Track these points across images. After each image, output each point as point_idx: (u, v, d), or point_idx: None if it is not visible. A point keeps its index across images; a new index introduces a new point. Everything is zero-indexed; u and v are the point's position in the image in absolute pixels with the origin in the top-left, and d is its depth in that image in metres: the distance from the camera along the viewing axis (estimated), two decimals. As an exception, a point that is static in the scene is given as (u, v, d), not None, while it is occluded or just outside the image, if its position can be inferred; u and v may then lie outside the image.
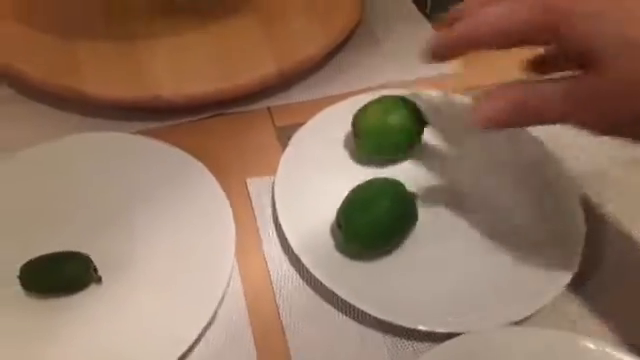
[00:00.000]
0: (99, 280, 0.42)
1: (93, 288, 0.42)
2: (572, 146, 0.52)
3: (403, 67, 0.60)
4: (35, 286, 0.41)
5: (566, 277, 0.41)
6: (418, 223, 0.44)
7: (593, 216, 0.47)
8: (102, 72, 0.54)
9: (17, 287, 0.41)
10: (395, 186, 0.43)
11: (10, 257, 0.41)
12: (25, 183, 0.47)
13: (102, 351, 0.39)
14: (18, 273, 0.41)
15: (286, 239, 0.44)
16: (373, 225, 0.41)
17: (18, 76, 0.55)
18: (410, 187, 0.43)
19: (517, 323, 0.40)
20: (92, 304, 0.41)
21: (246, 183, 0.50)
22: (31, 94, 0.56)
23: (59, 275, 0.41)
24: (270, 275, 0.44)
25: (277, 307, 0.43)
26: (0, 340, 0.39)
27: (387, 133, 0.47)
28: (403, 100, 0.48)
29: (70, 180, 0.48)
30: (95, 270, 0.42)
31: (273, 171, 0.49)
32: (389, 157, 0.50)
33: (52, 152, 0.49)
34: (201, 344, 0.40)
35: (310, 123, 0.52)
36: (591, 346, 0.37)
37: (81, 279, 0.42)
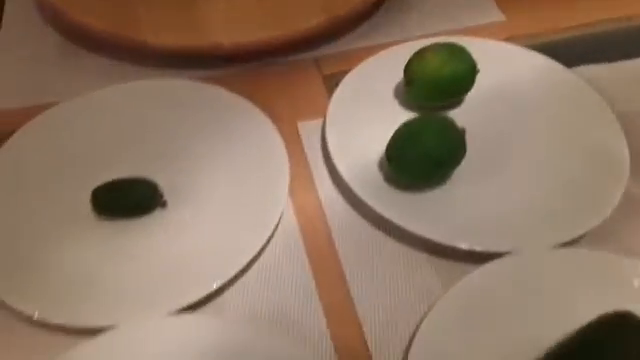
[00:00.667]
0: (164, 204, 0.45)
1: (159, 212, 0.45)
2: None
3: (450, 17, 0.61)
4: (105, 209, 0.45)
5: (613, 201, 0.42)
6: (467, 157, 0.45)
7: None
8: (162, 23, 0.57)
9: (89, 210, 0.45)
10: (444, 120, 0.44)
11: (84, 183, 0.45)
12: (98, 120, 0.51)
13: (166, 267, 0.42)
14: (90, 197, 0.44)
15: (337, 173, 0.46)
16: (421, 157, 0.43)
17: (81, 28, 0.58)
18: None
19: (566, 245, 0.41)
20: (158, 227, 0.45)
21: (297, 126, 0.53)
22: (94, 47, 0.60)
23: (128, 198, 0.44)
24: (322, 204, 0.47)
25: (329, 232, 0.45)
26: (73, 258, 0.43)
27: (440, 81, 0.49)
28: (455, 48, 0.49)
29: (138, 119, 0.51)
30: (161, 195, 0.45)
31: (322, 115, 0.52)
32: (440, 104, 0.51)
33: (121, 94, 0.53)
34: (259, 262, 0.43)
35: (358, 69, 0.54)
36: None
37: (148, 203, 0.45)
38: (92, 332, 0.38)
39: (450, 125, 0.44)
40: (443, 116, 0.45)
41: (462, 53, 0.48)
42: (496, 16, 0.61)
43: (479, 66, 0.50)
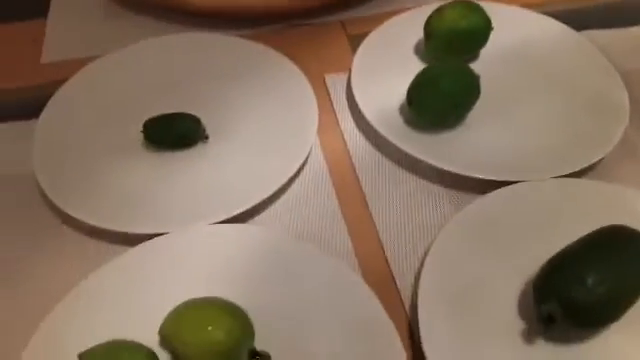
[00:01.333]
0: (206, 138, 0.51)
1: (201, 145, 0.51)
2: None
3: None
4: (155, 138, 0.50)
5: (616, 136, 0.47)
6: (479, 104, 0.50)
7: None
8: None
9: (141, 141, 0.50)
10: (460, 66, 0.49)
11: (136, 118, 0.50)
12: (146, 67, 0.57)
13: (208, 189, 0.47)
14: (142, 128, 0.50)
15: (361, 117, 0.51)
16: (439, 99, 0.48)
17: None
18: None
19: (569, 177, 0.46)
20: (200, 158, 0.50)
21: (324, 78, 0.58)
22: (137, 8, 0.65)
23: (175, 130, 0.50)
24: (347, 144, 0.52)
25: (353, 167, 0.50)
26: (127, 180, 0.48)
27: (456, 34, 0.53)
28: (471, 5, 0.54)
29: (181, 67, 0.57)
30: (204, 129, 0.50)
31: (347, 70, 0.57)
32: (458, 57, 0.55)
33: (166, 45, 0.59)
34: (290, 191, 0.48)
35: (382, 27, 0.59)
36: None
37: (192, 136, 0.50)
38: (145, 239, 0.43)
39: (466, 70, 0.49)
40: (460, 63, 0.50)
41: (477, 9, 0.53)
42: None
43: (495, 26, 0.54)
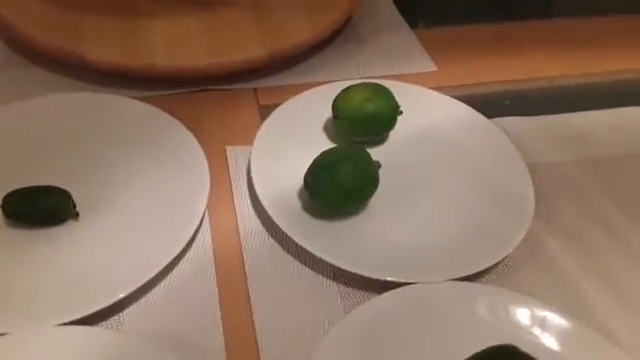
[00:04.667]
0: (77, 215, 0.45)
1: (70, 224, 0.45)
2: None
3: (387, 64, 0.65)
4: (16, 214, 0.44)
5: (515, 241, 0.45)
6: (381, 192, 0.47)
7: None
8: (103, 41, 0.59)
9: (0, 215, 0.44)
10: (359, 152, 0.46)
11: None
12: (20, 128, 0.51)
13: (68, 278, 0.41)
14: (0, 202, 0.43)
15: (257, 198, 0.47)
16: (335, 184, 0.45)
17: (24, 39, 0.59)
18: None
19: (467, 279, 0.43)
20: (67, 238, 0.44)
21: (225, 150, 0.54)
22: (35, 58, 0.60)
23: (39, 206, 0.44)
24: (239, 228, 0.47)
25: (242, 255, 0.45)
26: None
27: (365, 117, 0.51)
28: (381, 88, 0.52)
29: (60, 130, 0.52)
30: (74, 205, 0.45)
31: (253, 143, 0.53)
32: (363, 139, 0.53)
33: (47, 104, 0.53)
34: (168, 279, 0.43)
35: (292, 100, 0.56)
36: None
37: (60, 212, 0.44)
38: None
39: (365, 157, 0.46)
40: (360, 148, 0.47)
41: (384, 93, 0.51)
42: (428, 66, 0.65)
43: (406, 109, 0.52)
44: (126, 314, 0.41)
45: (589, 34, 0.72)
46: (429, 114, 0.57)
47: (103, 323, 0.40)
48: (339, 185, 0.44)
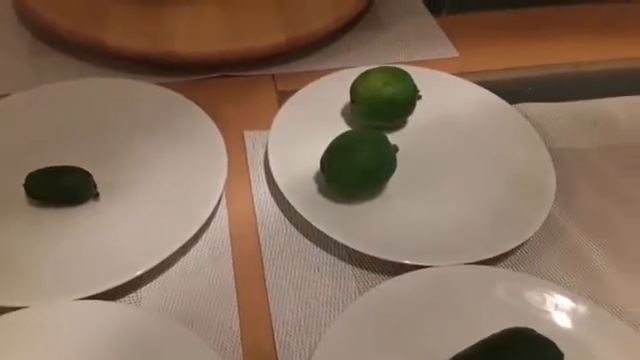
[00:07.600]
0: (97, 196, 0.46)
1: (91, 204, 0.46)
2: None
3: (408, 50, 0.64)
4: (38, 194, 0.45)
5: (535, 226, 0.43)
6: (398, 176, 0.46)
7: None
8: (125, 28, 0.59)
9: (23, 194, 0.45)
10: (376, 134, 0.46)
11: (20, 169, 0.45)
12: (43, 112, 0.52)
13: (88, 255, 0.42)
14: (23, 181, 0.44)
15: (274, 182, 0.47)
16: (352, 167, 0.44)
17: (48, 26, 0.60)
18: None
19: (484, 264, 0.42)
20: (87, 217, 0.45)
21: (243, 135, 0.54)
22: (59, 46, 0.61)
23: (60, 186, 0.45)
24: (255, 210, 0.48)
25: (258, 237, 0.46)
26: (4, 240, 0.43)
27: (381, 102, 0.50)
28: (401, 72, 0.51)
29: (82, 114, 0.53)
30: (95, 186, 0.45)
31: (270, 128, 0.53)
32: (382, 124, 0.53)
33: (71, 89, 0.54)
34: (185, 259, 0.44)
35: (310, 86, 0.56)
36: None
37: (81, 192, 0.45)
38: (3, 312, 0.38)
39: (382, 139, 0.45)
40: (377, 132, 0.47)
41: (403, 77, 0.50)
42: (450, 52, 0.64)
43: (426, 94, 0.52)
44: (144, 291, 0.41)
45: (614, 19, 0.71)
46: (449, 100, 0.56)
47: (121, 300, 0.41)
48: (356, 165, 0.44)
